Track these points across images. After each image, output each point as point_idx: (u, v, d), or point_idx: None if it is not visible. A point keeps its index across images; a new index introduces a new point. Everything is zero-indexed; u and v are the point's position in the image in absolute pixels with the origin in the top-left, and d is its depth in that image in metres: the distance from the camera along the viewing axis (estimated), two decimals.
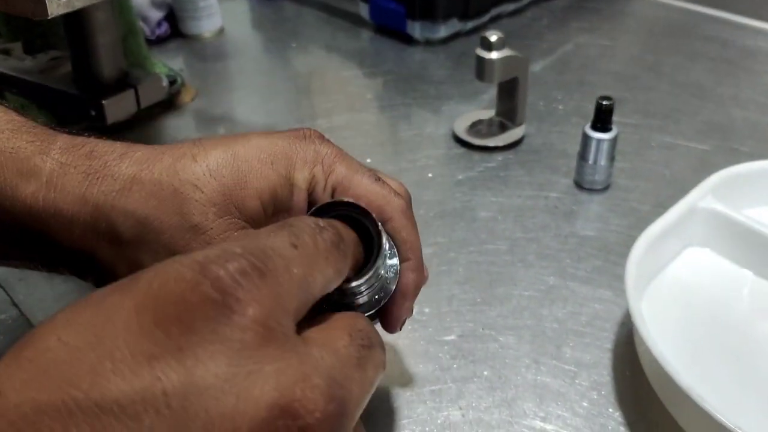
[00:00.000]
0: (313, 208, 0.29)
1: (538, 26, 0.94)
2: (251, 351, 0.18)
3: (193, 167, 0.30)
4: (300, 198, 0.31)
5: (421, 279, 0.34)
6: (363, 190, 0.32)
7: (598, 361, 0.45)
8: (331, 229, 0.25)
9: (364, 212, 0.29)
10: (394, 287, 0.32)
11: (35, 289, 0.51)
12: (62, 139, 0.31)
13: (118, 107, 0.53)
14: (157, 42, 0.90)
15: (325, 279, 0.24)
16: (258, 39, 0.97)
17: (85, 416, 0.17)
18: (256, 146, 0.31)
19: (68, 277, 0.52)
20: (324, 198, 0.32)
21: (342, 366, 0.21)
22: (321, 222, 0.25)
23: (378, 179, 0.33)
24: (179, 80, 0.77)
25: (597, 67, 0.83)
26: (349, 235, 0.27)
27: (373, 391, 0.24)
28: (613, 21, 0.95)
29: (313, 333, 0.22)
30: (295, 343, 0.20)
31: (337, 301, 0.29)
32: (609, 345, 0.46)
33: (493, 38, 0.63)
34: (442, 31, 0.88)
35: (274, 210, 0.31)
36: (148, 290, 0.18)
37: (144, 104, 0.55)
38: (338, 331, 0.23)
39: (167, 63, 0.80)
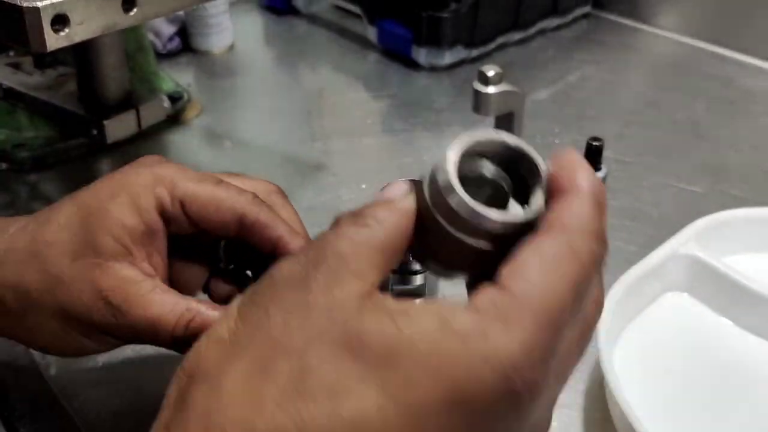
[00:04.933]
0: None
1: (543, 57, 0.95)
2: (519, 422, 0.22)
3: (46, 227, 0.34)
4: (152, 219, 0.34)
5: None
6: (208, 197, 0.34)
7: (569, 402, 0.46)
8: (604, 245, 0.24)
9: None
10: None
11: None
12: None
13: (118, 127, 0.55)
14: (168, 56, 0.92)
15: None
16: (267, 56, 0.99)
17: None
18: (98, 188, 0.34)
19: None
20: (176, 214, 0.34)
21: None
22: (602, 257, 0.23)
23: (220, 182, 0.35)
24: (185, 96, 0.79)
25: (598, 101, 0.84)
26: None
27: None
28: (618, 54, 0.96)
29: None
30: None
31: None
32: (581, 386, 0.47)
33: (491, 73, 0.64)
34: (447, 57, 0.89)
35: (133, 240, 0.33)
36: (464, 390, 0.20)
37: (145, 125, 0.57)
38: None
39: (176, 77, 0.82)
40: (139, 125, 0.57)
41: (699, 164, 0.71)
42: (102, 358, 0.48)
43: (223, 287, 0.37)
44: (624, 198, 0.65)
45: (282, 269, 0.24)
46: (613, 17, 1.06)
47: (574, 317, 0.22)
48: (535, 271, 0.22)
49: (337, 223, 0.24)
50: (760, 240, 0.56)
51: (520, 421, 0.22)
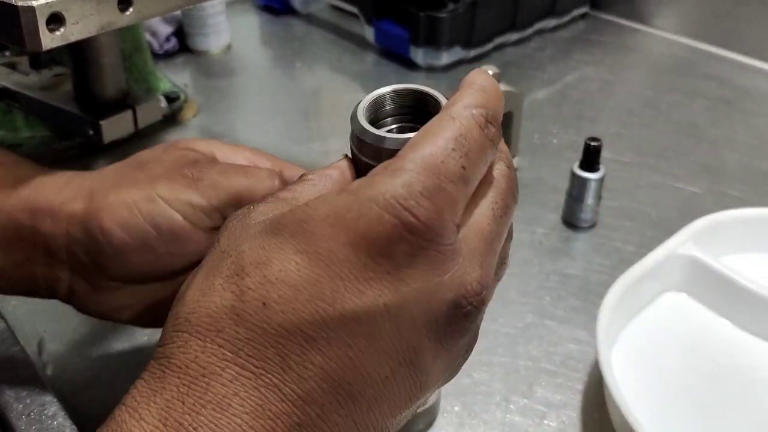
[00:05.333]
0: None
1: (540, 57, 0.95)
2: (434, 270, 0.24)
3: (145, 153, 0.37)
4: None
5: None
6: (245, 160, 0.37)
7: (567, 402, 0.46)
8: (495, 127, 0.27)
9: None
10: None
11: (23, 300, 0.53)
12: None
13: (115, 127, 0.55)
14: (165, 56, 0.92)
15: (481, 175, 0.27)
16: (264, 57, 0.98)
17: (334, 324, 0.23)
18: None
19: None
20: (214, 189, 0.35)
21: (485, 253, 0.26)
22: (483, 118, 0.26)
23: (256, 151, 0.38)
24: (182, 97, 0.79)
25: (595, 101, 0.84)
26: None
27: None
28: (616, 55, 0.96)
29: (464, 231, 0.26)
30: (457, 253, 0.25)
31: None
32: (580, 386, 0.47)
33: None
34: (445, 58, 0.89)
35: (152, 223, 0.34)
36: (357, 228, 0.24)
37: (142, 125, 0.57)
38: (481, 218, 0.27)
39: (173, 78, 0.82)
40: (136, 125, 0.56)
41: (697, 164, 0.71)
42: (98, 363, 0.48)
43: None
44: (622, 198, 0.65)
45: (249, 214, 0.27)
46: (610, 18, 1.06)
47: (458, 169, 0.25)
48: (419, 138, 0.25)
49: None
50: (758, 240, 0.56)
51: (433, 261, 0.24)
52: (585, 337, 0.51)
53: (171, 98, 0.77)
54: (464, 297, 0.25)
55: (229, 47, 0.96)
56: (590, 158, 0.59)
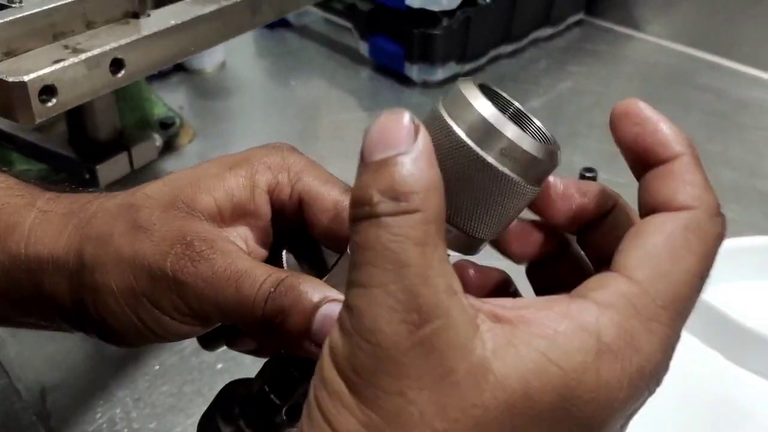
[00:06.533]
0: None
1: (535, 69, 0.94)
2: None
3: (151, 185, 0.32)
4: (261, 200, 0.31)
5: None
6: (331, 202, 0.31)
7: None
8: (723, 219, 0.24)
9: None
10: None
11: (26, 347, 0.53)
12: (50, 193, 0.33)
13: (111, 170, 0.55)
14: (160, 76, 0.91)
15: None
16: (259, 74, 0.98)
17: None
18: (217, 160, 0.32)
19: (58, 337, 0.54)
20: (291, 206, 0.32)
21: None
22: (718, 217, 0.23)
23: (347, 190, 0.32)
24: (178, 122, 0.79)
25: (590, 116, 0.84)
26: None
27: None
28: (610, 65, 0.95)
29: None
30: None
31: None
32: None
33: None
34: (440, 73, 0.89)
35: (234, 212, 0.31)
36: (619, 406, 0.21)
37: (137, 165, 0.57)
38: None
39: (168, 98, 0.81)
40: (132, 166, 0.57)
41: None
42: (101, 411, 0.49)
43: None
44: None
45: (383, 332, 0.20)
46: (606, 24, 1.05)
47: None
48: (664, 259, 0.21)
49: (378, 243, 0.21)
50: (752, 269, 0.56)
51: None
52: None
53: (167, 124, 0.77)
54: None
55: (223, 64, 0.95)
56: None
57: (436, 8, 0.84)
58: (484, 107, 0.22)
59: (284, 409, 0.29)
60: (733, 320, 0.50)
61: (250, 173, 0.31)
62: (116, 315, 0.30)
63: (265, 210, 0.32)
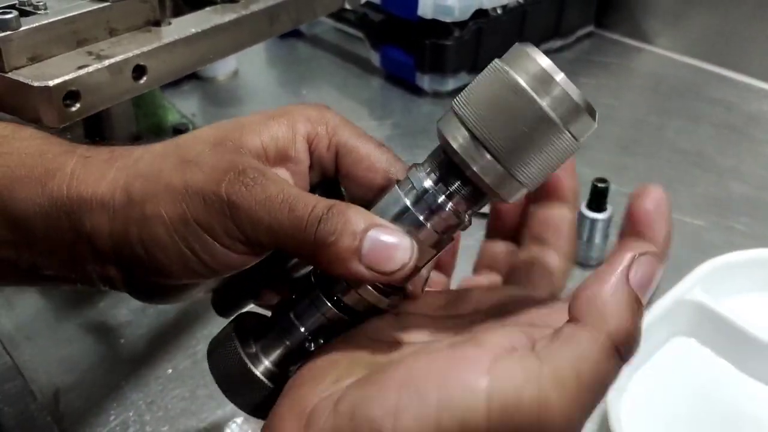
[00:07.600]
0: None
1: None
2: None
3: (196, 131, 0.33)
4: (301, 147, 0.33)
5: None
6: (366, 153, 0.33)
7: None
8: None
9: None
10: None
11: (41, 349, 0.54)
12: (86, 145, 0.34)
13: None
14: (172, 84, 0.92)
15: None
16: (271, 82, 0.99)
17: None
18: (259, 112, 0.34)
19: (72, 339, 0.54)
20: (327, 157, 0.34)
21: None
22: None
23: (381, 145, 0.34)
24: (190, 128, 0.79)
25: (600, 129, 0.83)
26: None
27: None
28: (619, 77, 0.96)
29: None
30: None
31: None
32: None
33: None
34: (451, 84, 0.90)
35: (277, 155, 0.33)
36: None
37: None
38: None
39: (181, 106, 0.82)
40: None
41: (703, 196, 0.72)
42: (115, 413, 0.49)
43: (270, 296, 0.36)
44: None
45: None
46: (616, 36, 1.06)
47: None
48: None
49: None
50: (764, 281, 0.56)
51: None
52: None
53: (180, 130, 0.78)
54: None
55: (235, 73, 0.96)
56: (598, 199, 0.59)
57: (447, 19, 0.85)
58: (542, 59, 0.26)
59: (307, 333, 0.31)
60: (746, 331, 0.50)
61: (291, 122, 0.33)
62: (164, 246, 0.30)
63: (304, 157, 0.33)
